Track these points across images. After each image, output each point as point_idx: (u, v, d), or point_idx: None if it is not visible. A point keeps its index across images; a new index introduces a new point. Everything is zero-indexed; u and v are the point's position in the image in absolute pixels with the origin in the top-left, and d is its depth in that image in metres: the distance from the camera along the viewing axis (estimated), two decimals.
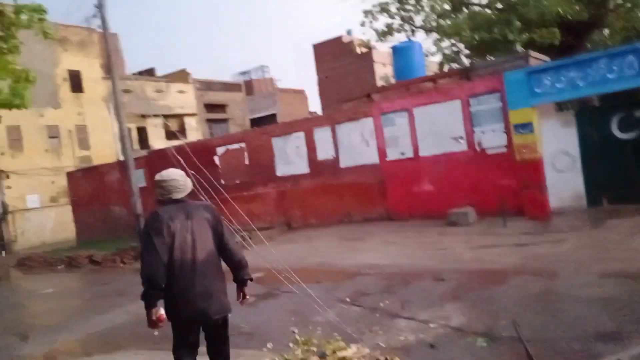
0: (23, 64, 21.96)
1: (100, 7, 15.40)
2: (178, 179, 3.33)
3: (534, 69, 11.45)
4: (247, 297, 3.61)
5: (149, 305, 3.14)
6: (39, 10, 6.74)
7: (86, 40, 27.43)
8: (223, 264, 3.55)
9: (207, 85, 36.53)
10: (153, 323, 3.16)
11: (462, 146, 12.68)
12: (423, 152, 13.30)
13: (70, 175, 22.05)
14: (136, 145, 29.09)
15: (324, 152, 15.18)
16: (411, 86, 15.31)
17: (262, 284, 8.97)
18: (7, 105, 6.56)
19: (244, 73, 53.34)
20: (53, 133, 25.97)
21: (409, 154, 13.54)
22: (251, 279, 3.57)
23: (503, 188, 11.76)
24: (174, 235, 3.15)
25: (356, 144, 14.56)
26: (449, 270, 7.85)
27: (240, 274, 3.51)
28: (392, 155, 13.88)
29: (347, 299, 7.03)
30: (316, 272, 9.27)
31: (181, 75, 34.52)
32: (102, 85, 27.26)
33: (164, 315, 3.18)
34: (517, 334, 4.73)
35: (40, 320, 8.97)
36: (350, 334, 5.25)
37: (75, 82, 27.30)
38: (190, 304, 3.17)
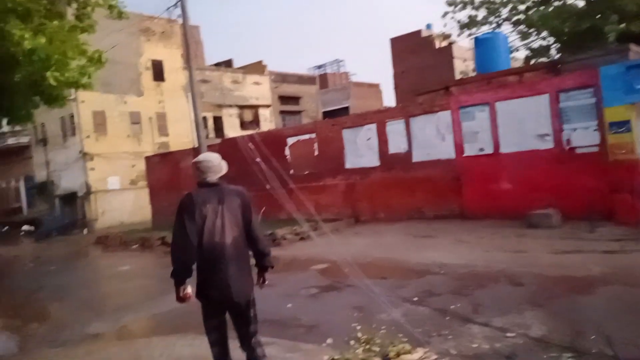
0: (109, 53, 23.11)
1: None
2: (212, 160, 3.49)
3: (635, 63, 10.30)
4: (266, 282, 3.69)
5: (178, 283, 3.31)
6: None
7: (168, 31, 28.41)
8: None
9: (282, 78, 36.84)
10: (180, 299, 3.35)
11: (548, 144, 11.71)
12: (504, 149, 12.45)
13: (148, 159, 22.93)
14: (212, 134, 29.87)
15: (396, 145, 14.65)
16: (493, 79, 14.40)
17: (325, 276, 8.71)
18: (74, 84, 6.62)
19: (319, 67, 53.45)
20: (135, 119, 27.18)
21: (489, 150, 12.73)
22: (272, 267, 3.64)
23: (591, 190, 10.73)
24: (205, 219, 3.28)
25: (431, 138, 13.91)
26: (528, 275, 7.17)
27: (262, 260, 3.58)
28: (469, 150, 13.12)
29: (415, 299, 6.56)
30: (382, 267, 8.87)
31: (257, 67, 35.01)
32: (182, 75, 28.13)
33: (190, 294, 3.33)
34: (612, 352, 4.10)
35: (113, 298, 9.23)
36: (416, 337, 4.82)
37: (157, 71, 28.39)
38: (216, 286, 3.29)
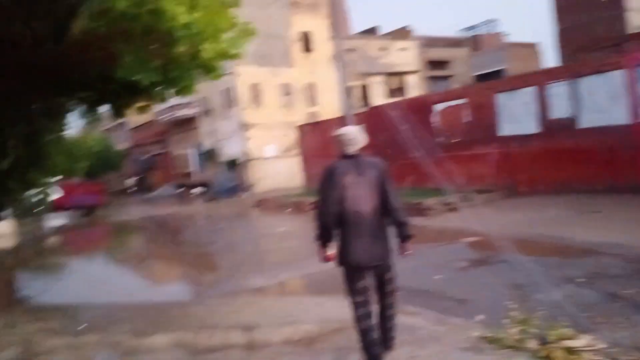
0: (260, 27, 24.17)
1: None
2: (351, 133, 3.64)
3: None
4: (408, 251, 3.75)
5: (321, 245, 3.60)
6: None
7: (316, 2, 28.89)
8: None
9: (430, 42, 35.48)
10: (323, 259, 3.63)
11: None
12: None
13: (300, 128, 23.98)
14: (359, 102, 30.07)
15: (559, 109, 13.25)
16: None
17: (476, 250, 8.30)
18: (224, 55, 6.97)
19: (470, 28, 50.36)
20: (287, 90, 28.44)
21: None
22: (411, 236, 3.69)
23: None
24: (346, 188, 3.45)
25: (601, 102, 12.33)
26: None
27: (401, 230, 3.67)
28: None
29: (580, 280, 5.91)
30: (542, 244, 8.17)
31: (404, 33, 34.11)
32: (330, 45, 28.54)
33: (332, 255, 3.58)
34: None
35: (270, 256, 9.91)
36: (581, 322, 4.33)
37: (306, 42, 29.19)
38: (355, 251, 3.47)
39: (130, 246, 15.04)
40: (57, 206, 20.69)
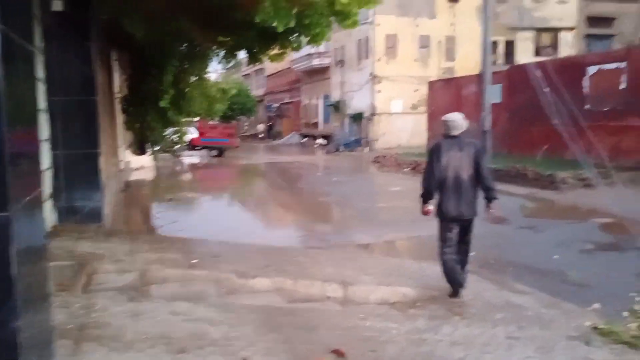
0: None
1: None
2: (455, 119, 4.59)
3: None
4: (492, 210, 4.62)
5: (423, 202, 4.67)
6: None
7: None
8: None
9: None
10: (424, 212, 4.72)
11: None
12: None
13: (431, 84, 23.04)
14: (501, 60, 27.99)
15: None
16: None
17: (607, 232, 7.50)
18: (362, 2, 6.80)
19: None
20: (424, 43, 27.30)
21: None
22: (496, 198, 4.61)
23: None
24: (449, 160, 4.51)
25: None
26: None
27: (487, 194, 4.61)
28: None
29: None
30: None
31: None
32: None
33: (431, 210, 4.66)
34: None
35: (381, 214, 9.90)
36: None
37: None
38: (453, 206, 4.53)
39: (251, 189, 16.00)
40: (193, 144, 22.73)
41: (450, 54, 27.68)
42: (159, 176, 15.56)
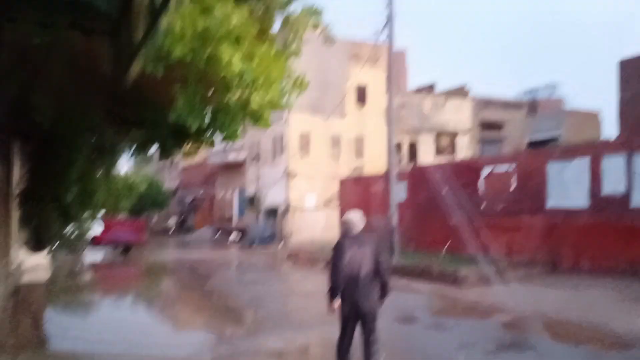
0: (319, 77, 24.93)
1: (388, 20, 15.98)
2: (354, 219, 5.06)
3: None
4: (383, 300, 5.09)
5: (330, 299, 4.93)
6: (317, 13, 7.13)
7: (376, 55, 29.42)
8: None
9: (485, 103, 35.18)
10: (330, 310, 4.98)
11: None
12: None
13: (342, 182, 23.98)
14: (406, 159, 29.92)
15: (612, 185, 12.65)
16: None
17: (507, 330, 7.81)
18: (273, 105, 7.12)
19: (529, 92, 49.84)
20: (335, 141, 28.73)
21: None
22: (388, 293, 5.05)
23: None
24: (349, 258, 4.86)
25: None
26: None
27: (383, 289, 5.02)
28: None
29: None
30: (578, 331, 7.59)
31: (460, 92, 34.02)
32: (384, 99, 28.81)
33: (337, 307, 4.89)
34: None
35: (294, 315, 9.63)
36: None
37: (361, 94, 29.54)
38: (353, 301, 4.85)
39: (157, 290, 15.18)
40: (96, 241, 21.40)
41: (360, 152, 29.21)
42: (56, 277, 14.30)
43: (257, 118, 7.74)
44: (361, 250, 4.89)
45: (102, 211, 12.47)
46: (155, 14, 2.93)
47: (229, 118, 7.74)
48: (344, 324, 4.96)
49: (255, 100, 6.91)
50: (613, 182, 12.62)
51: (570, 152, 14.27)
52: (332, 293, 4.89)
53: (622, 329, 7.41)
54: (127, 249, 23.41)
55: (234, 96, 7.09)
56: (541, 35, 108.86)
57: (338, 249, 4.94)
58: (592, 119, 40.58)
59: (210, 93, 7.49)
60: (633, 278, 11.29)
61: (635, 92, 32.92)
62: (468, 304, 10.00)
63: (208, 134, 8.21)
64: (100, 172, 10.04)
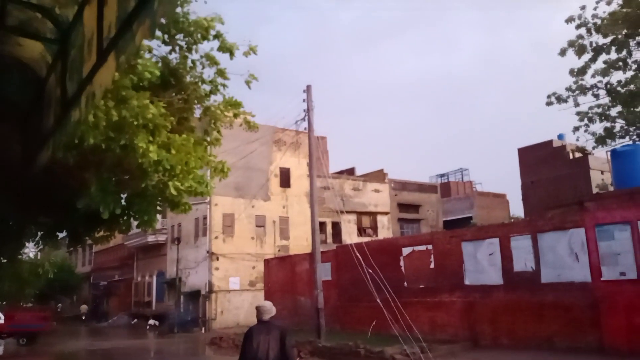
0: (244, 161, 25.31)
1: (307, 111, 17.01)
2: (265, 306, 5.61)
3: None
4: None
5: None
6: (237, 104, 7.39)
7: (298, 142, 30.45)
8: None
9: (402, 185, 36.97)
10: None
11: None
12: None
13: (266, 262, 23.63)
14: (330, 239, 30.26)
15: (522, 262, 13.45)
16: (636, 195, 12.99)
17: None
18: (192, 192, 7.09)
19: (441, 175, 53.06)
20: (260, 222, 28.66)
21: (632, 274, 11.14)
22: None
23: None
24: (257, 344, 5.35)
25: (562, 257, 12.60)
26: None
27: None
28: (609, 274, 11.59)
29: None
30: None
31: (378, 175, 35.65)
32: (307, 182, 29.38)
33: None
34: None
35: None
36: None
37: (284, 178, 30.20)
38: None
39: None
40: None
41: (284, 233, 29.22)
42: None
43: (175, 205, 7.65)
44: (269, 336, 5.47)
45: (6, 300, 11.41)
46: (66, 105, 2.94)
47: (145, 204, 7.58)
48: None
49: (174, 188, 6.87)
50: (522, 260, 13.43)
51: (482, 232, 15.13)
52: None
53: None
54: (31, 339, 21.41)
55: (151, 183, 7.02)
56: (451, 124, 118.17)
57: (248, 335, 5.58)
58: (500, 200, 43.70)
59: (126, 179, 7.36)
60: (550, 351, 11.78)
61: (535, 177, 36.15)
62: None
63: (122, 220, 7.94)
64: (3, 259, 9.32)
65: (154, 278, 33.26)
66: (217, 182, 8.79)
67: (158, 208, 7.71)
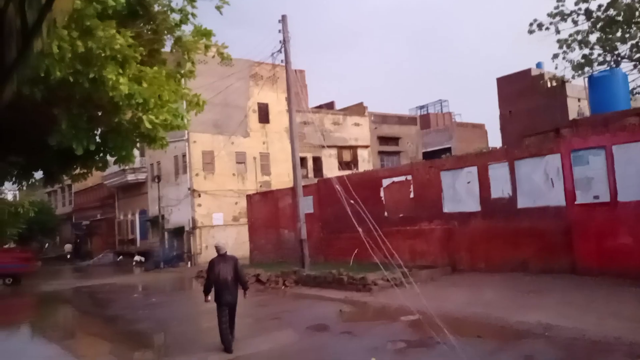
0: (220, 97, 24.73)
1: (283, 42, 16.42)
2: (221, 244, 8.13)
3: None
4: (246, 296, 8.18)
5: (205, 294, 7.97)
6: (208, 33, 7.08)
7: (275, 75, 29.79)
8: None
9: (382, 119, 36.87)
10: (205, 301, 7.96)
11: None
12: (623, 197, 11.15)
13: (249, 198, 23.75)
14: (311, 174, 30.41)
15: (499, 190, 13.75)
16: (611, 121, 13.14)
17: (415, 330, 8.17)
18: (168, 126, 6.93)
19: (421, 107, 52.96)
20: (240, 159, 28.55)
21: (605, 198, 11.49)
22: (247, 288, 8.22)
23: None
24: (219, 271, 7.73)
25: (538, 184, 12.89)
26: None
27: (243, 286, 8.01)
28: (582, 198, 11.93)
29: None
30: (479, 324, 8.15)
31: (358, 109, 35.41)
32: (286, 117, 29.03)
33: (209, 300, 7.91)
34: None
35: (201, 336, 9.31)
36: None
37: (263, 113, 29.80)
38: (223, 296, 7.71)
39: (55, 319, 14.04)
40: None
41: (265, 169, 29.24)
42: None
43: (151, 139, 7.47)
44: (226, 264, 7.74)
45: None
46: (28, 35, 2.75)
47: (121, 140, 7.39)
48: (220, 312, 7.69)
49: (149, 121, 6.67)
50: (500, 187, 13.72)
51: (460, 161, 15.31)
52: (206, 292, 7.90)
53: (518, 320, 8.06)
54: (16, 279, 21.70)
55: (125, 118, 6.80)
56: (430, 55, 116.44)
57: (211, 265, 7.92)
58: (479, 130, 44.01)
59: (98, 114, 7.12)
60: (524, 273, 12.31)
61: (513, 107, 36.25)
62: (377, 308, 10.33)
63: (98, 157, 7.76)
64: None
65: (137, 216, 33.35)
66: (195, 119, 8.61)
67: (135, 145, 7.55)
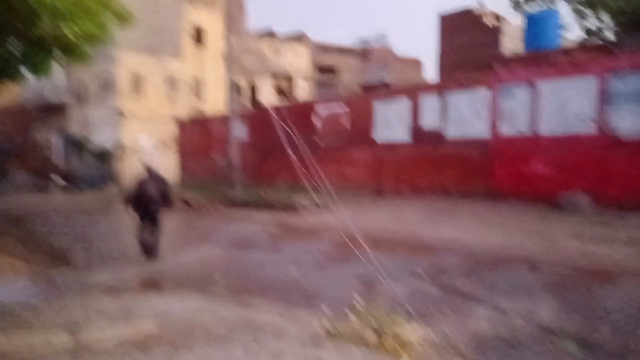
0: (151, 16, 23.15)
1: None
2: (149, 164, 8.25)
3: None
4: (170, 207, 8.43)
5: (125, 205, 8.25)
6: None
7: None
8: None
9: (322, 49, 36.21)
10: (126, 210, 8.23)
11: (591, 128, 10.95)
12: (542, 131, 11.74)
13: (180, 123, 23.02)
14: (247, 101, 29.71)
15: (429, 120, 14.07)
16: (540, 58, 13.57)
17: (336, 246, 8.44)
18: (91, 38, 6.44)
19: (363, 41, 52.38)
20: (172, 82, 27.25)
21: (526, 131, 12.04)
22: (172, 206, 8.49)
23: (634, 178, 10.01)
24: (145, 187, 7.81)
25: (466, 115, 13.28)
26: (547, 261, 6.70)
27: (168, 205, 8.16)
28: (505, 130, 12.46)
29: (423, 275, 6.21)
30: (397, 241, 8.54)
31: (298, 37, 34.46)
32: (222, 41, 27.91)
33: (131, 210, 8.03)
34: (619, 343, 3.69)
35: (124, 252, 9.16)
36: (417, 313, 4.48)
37: (198, 35, 28.27)
38: (148, 208, 7.83)
39: None
40: None
41: (198, 94, 28.20)
42: None
43: (74, 52, 6.95)
44: (154, 181, 7.93)
45: None
46: None
47: (41, 52, 6.83)
48: (141, 225, 7.91)
49: (70, 32, 6.19)
50: (431, 118, 14.03)
51: (394, 92, 15.45)
52: (126, 202, 8.21)
53: (431, 237, 8.57)
54: None
55: (45, 27, 6.27)
56: None
57: (137, 182, 8.03)
58: (415, 65, 44.34)
59: (17, 25, 6.53)
60: (444, 196, 12.93)
61: (453, 44, 36.61)
62: (303, 228, 10.57)
63: (14, 68, 7.20)
64: None
65: (59, 137, 31.58)
66: (124, 38, 8.05)
67: (55, 55, 6.99)
